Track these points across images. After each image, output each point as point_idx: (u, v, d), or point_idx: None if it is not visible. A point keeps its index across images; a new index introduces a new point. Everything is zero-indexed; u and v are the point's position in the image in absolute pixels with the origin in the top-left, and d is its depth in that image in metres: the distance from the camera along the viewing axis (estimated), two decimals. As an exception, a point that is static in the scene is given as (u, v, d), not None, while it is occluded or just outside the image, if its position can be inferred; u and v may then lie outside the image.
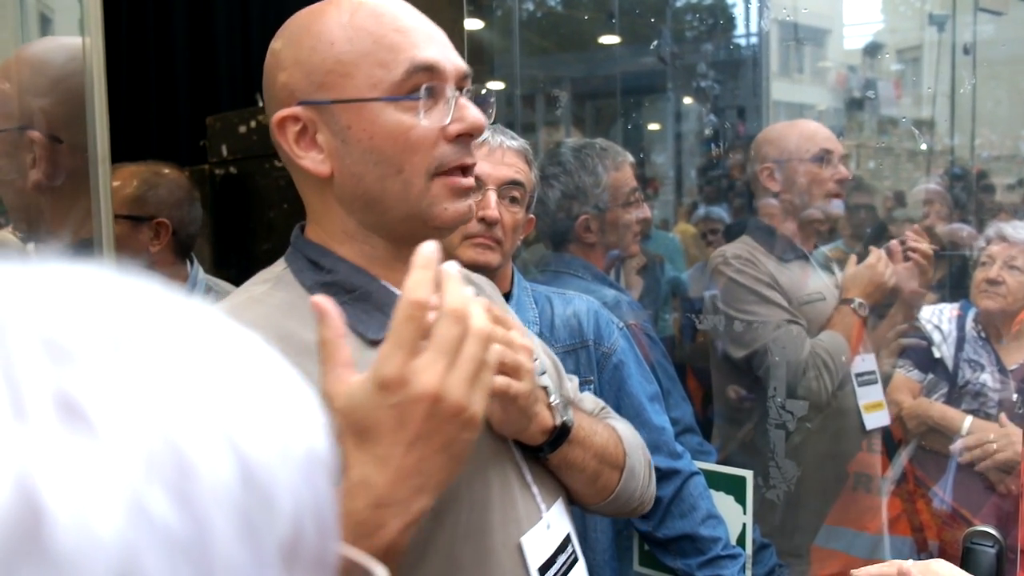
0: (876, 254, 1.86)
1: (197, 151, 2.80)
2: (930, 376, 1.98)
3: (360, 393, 0.68)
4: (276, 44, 0.92)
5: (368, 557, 0.38)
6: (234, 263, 2.60)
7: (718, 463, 1.72)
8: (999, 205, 2.52)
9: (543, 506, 0.92)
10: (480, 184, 1.33)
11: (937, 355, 1.97)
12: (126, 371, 0.27)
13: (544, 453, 0.93)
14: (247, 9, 3.25)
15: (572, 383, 1.12)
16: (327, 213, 0.91)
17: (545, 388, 0.92)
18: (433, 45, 0.88)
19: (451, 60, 0.89)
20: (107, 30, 1.30)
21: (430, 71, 0.86)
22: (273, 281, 0.91)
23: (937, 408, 1.92)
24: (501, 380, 0.82)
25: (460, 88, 0.89)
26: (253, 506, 0.28)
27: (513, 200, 1.43)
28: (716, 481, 1.63)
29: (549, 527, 0.92)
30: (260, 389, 0.30)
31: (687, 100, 3.76)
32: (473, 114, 0.88)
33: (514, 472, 0.92)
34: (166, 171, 2.04)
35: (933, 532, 1.84)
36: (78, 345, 0.26)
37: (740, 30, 3.52)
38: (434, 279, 0.68)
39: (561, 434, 0.92)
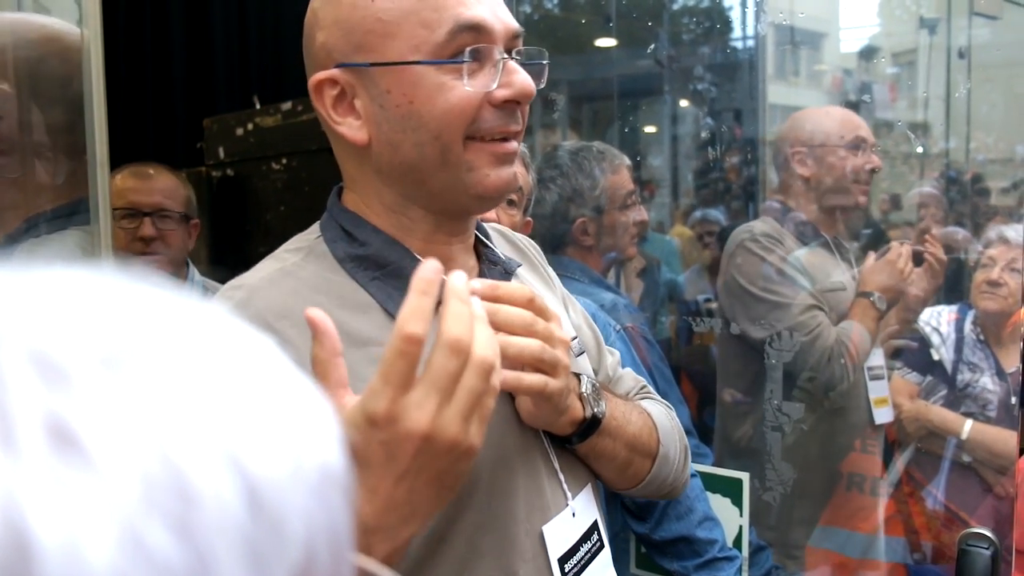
0: (897, 250, 1.83)
1: (194, 153, 2.80)
2: (929, 378, 1.99)
3: (351, 422, 0.65)
4: (315, 4, 0.88)
5: (381, 566, 0.36)
6: (230, 265, 2.59)
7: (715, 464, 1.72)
8: (994, 208, 2.53)
9: (570, 494, 0.91)
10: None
11: (936, 357, 1.98)
12: (122, 389, 0.25)
13: (572, 443, 0.91)
14: (244, 11, 3.25)
15: (613, 357, 1.10)
16: (364, 182, 0.87)
17: (578, 377, 0.89)
18: (482, 3, 0.83)
19: (501, 19, 0.84)
20: (104, 31, 1.31)
21: (476, 30, 0.81)
22: (306, 251, 0.88)
23: (936, 411, 1.93)
24: (537, 379, 0.80)
25: (510, 49, 0.85)
26: (260, 533, 0.26)
27: (510, 203, 1.43)
28: (713, 483, 1.63)
29: (575, 515, 0.91)
30: (268, 401, 0.29)
31: (684, 103, 3.77)
32: (522, 79, 0.83)
33: (542, 459, 0.90)
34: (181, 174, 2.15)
35: (927, 533, 1.85)
36: (71, 362, 0.25)
37: (737, 33, 3.53)
38: (432, 304, 0.63)
39: (591, 425, 0.90)
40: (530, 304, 0.80)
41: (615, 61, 3.34)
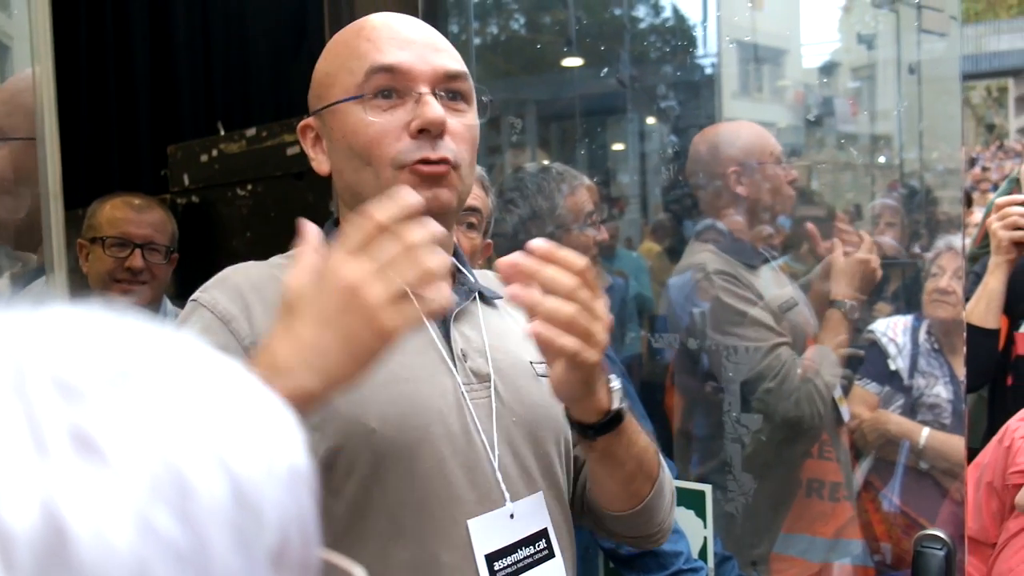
0: (868, 244, 1.81)
1: (158, 180, 2.79)
2: (887, 388, 2.02)
3: (305, 283, 0.77)
4: None
5: (348, 560, 0.42)
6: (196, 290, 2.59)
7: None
8: (947, 216, 2.59)
9: (508, 495, 0.93)
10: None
11: (893, 367, 2.01)
12: (129, 404, 0.31)
13: (592, 435, 0.92)
14: (208, 38, 3.25)
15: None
16: (340, 208, 1.04)
17: (607, 372, 0.92)
18: (404, 49, 0.96)
19: (427, 61, 0.96)
20: (65, 57, 1.33)
21: (390, 71, 0.95)
22: (292, 258, 1.01)
23: (895, 420, 1.96)
24: (573, 341, 0.82)
25: (447, 90, 0.97)
26: (244, 520, 0.31)
27: (470, 226, 1.45)
28: (677, 496, 1.65)
29: (513, 516, 0.93)
30: (246, 413, 0.34)
31: (649, 120, 3.82)
32: (430, 111, 0.93)
33: (484, 455, 0.93)
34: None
35: (885, 536, 1.88)
36: (86, 384, 0.30)
37: (699, 51, 3.59)
38: (396, 214, 0.75)
39: (614, 419, 0.92)
40: (582, 273, 0.83)
41: (580, 80, 3.39)
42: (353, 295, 0.73)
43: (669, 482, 1.07)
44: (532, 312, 0.82)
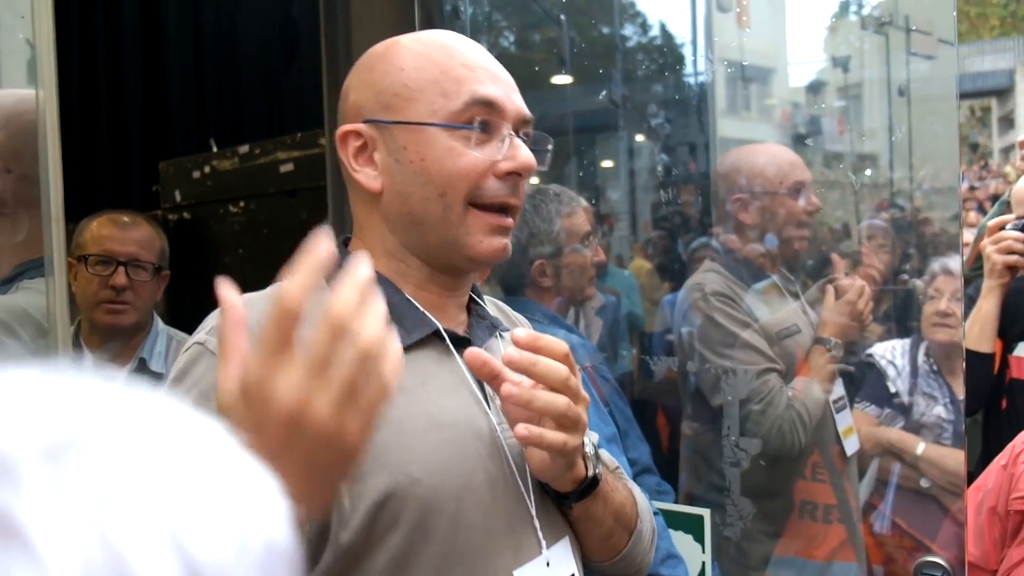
0: (857, 288, 1.82)
1: (150, 196, 2.78)
2: (887, 410, 2.02)
3: (230, 393, 0.62)
4: (352, 71, 0.98)
5: None
6: (187, 309, 2.57)
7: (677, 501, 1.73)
8: (938, 237, 2.60)
9: (544, 542, 0.93)
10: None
11: (892, 390, 2.01)
12: (64, 480, 0.26)
13: (570, 502, 0.94)
14: (200, 54, 3.25)
15: (592, 437, 1.12)
16: (371, 228, 0.95)
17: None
18: (497, 85, 0.93)
19: (513, 101, 0.93)
20: (58, 72, 1.32)
21: (489, 106, 0.91)
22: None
23: (894, 432, 1.96)
24: (559, 437, 0.84)
25: (518, 131, 0.94)
26: None
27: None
28: (675, 520, 1.64)
29: (549, 564, 0.92)
30: (213, 483, 0.30)
31: (639, 138, 3.83)
32: (524, 154, 0.91)
33: (517, 504, 0.92)
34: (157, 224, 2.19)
35: (876, 556, 1.88)
36: (14, 457, 0.26)
37: (688, 70, 3.61)
38: (315, 281, 0.61)
39: (590, 486, 0.93)
40: (566, 359, 0.85)
41: (571, 98, 3.40)
42: (297, 424, 0.60)
43: (649, 521, 1.08)
44: (526, 407, 0.83)
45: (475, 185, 0.90)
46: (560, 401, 0.83)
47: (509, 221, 0.93)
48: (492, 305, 1.11)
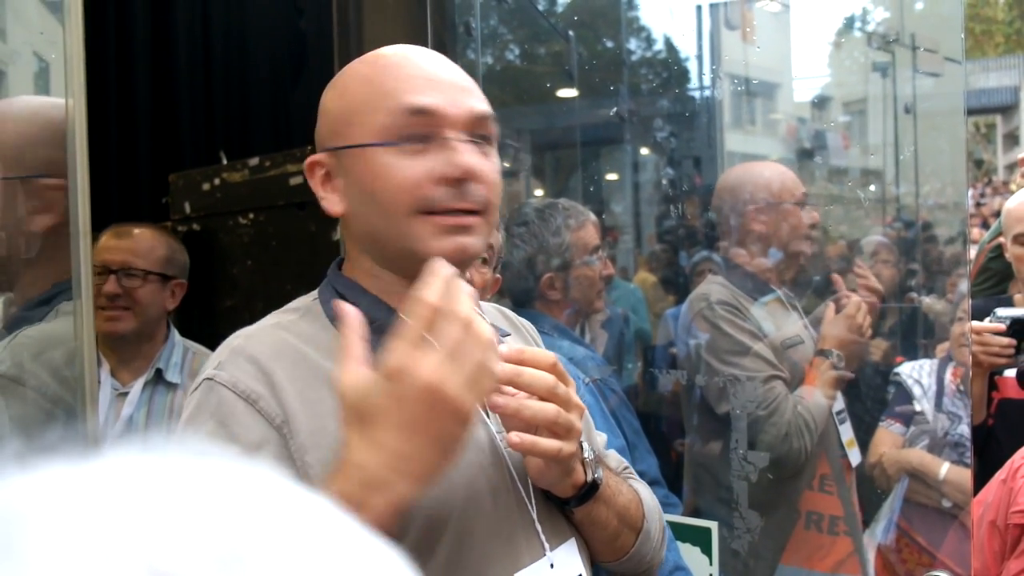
0: (855, 304, 1.83)
1: (159, 208, 2.79)
2: (912, 429, 2.03)
3: (367, 384, 0.74)
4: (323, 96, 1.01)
5: None
6: (196, 320, 2.58)
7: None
8: (942, 254, 2.61)
9: (547, 545, 0.94)
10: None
11: (918, 408, 2.02)
12: None
13: (571, 506, 0.95)
14: (210, 67, 3.27)
15: (600, 438, 1.14)
16: (351, 250, 0.99)
17: (580, 443, 0.93)
18: (436, 91, 0.91)
19: (458, 104, 0.91)
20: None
21: (424, 114, 0.89)
22: (302, 311, 0.97)
23: (916, 455, 1.96)
24: (552, 444, 0.86)
25: (474, 131, 0.92)
26: None
27: (483, 261, 1.46)
28: (682, 533, 1.65)
29: (553, 566, 0.93)
30: None
31: (644, 151, 3.85)
32: (464, 159, 0.89)
33: (519, 508, 0.93)
34: (172, 236, 2.18)
35: (894, 573, 1.88)
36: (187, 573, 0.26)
37: (694, 84, 3.64)
38: (445, 287, 0.75)
39: (590, 490, 0.95)
40: (553, 368, 0.87)
41: (577, 111, 3.43)
42: (436, 394, 0.72)
43: (658, 519, 1.09)
44: (516, 416, 0.85)
45: (414, 197, 0.88)
46: (549, 409, 0.85)
47: (466, 219, 0.90)
48: (497, 312, 1.12)
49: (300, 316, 0.96)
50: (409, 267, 0.91)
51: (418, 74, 0.92)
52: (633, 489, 1.06)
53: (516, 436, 0.85)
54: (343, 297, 0.94)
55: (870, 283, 1.87)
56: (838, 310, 1.86)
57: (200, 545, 0.27)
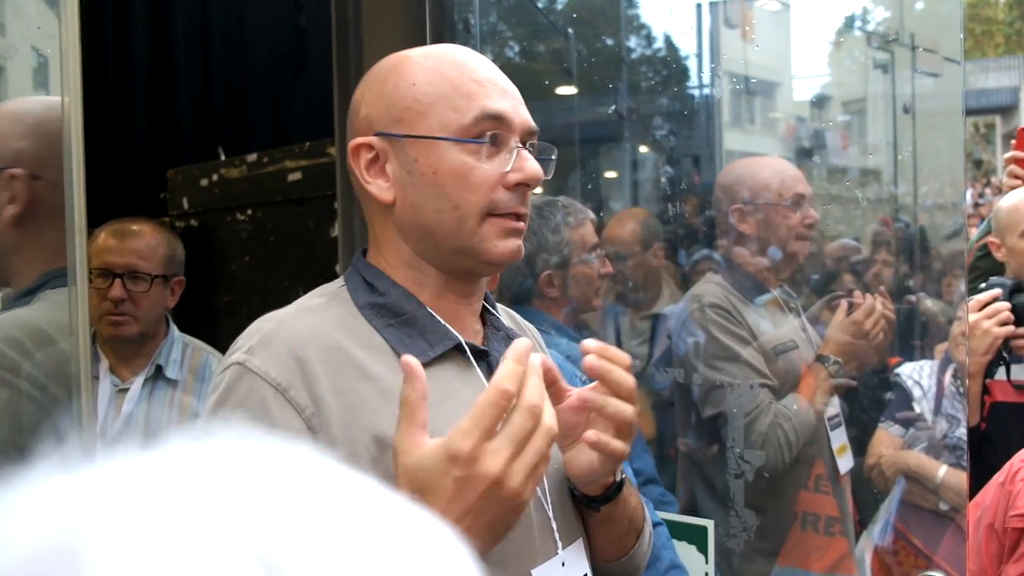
0: (867, 307, 1.77)
1: (157, 204, 2.79)
2: (911, 431, 2.02)
3: (430, 457, 0.74)
4: (362, 84, 1.00)
5: None
6: (194, 315, 2.58)
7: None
8: (939, 254, 2.61)
9: (560, 543, 0.95)
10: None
11: (917, 410, 2.01)
12: None
13: (597, 505, 0.98)
14: (209, 62, 3.27)
15: None
16: (386, 239, 0.98)
17: None
18: (505, 99, 0.95)
19: (520, 115, 0.95)
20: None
21: (498, 120, 0.93)
22: (329, 296, 0.98)
23: (914, 456, 1.96)
24: (621, 445, 0.89)
25: (525, 143, 0.96)
26: None
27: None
28: (678, 531, 1.65)
29: (564, 565, 0.95)
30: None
31: (643, 149, 3.84)
32: (532, 166, 0.93)
33: (535, 506, 0.95)
34: (171, 232, 2.17)
35: (889, 574, 1.88)
36: (290, 568, 0.28)
37: (694, 82, 3.64)
38: (524, 372, 0.75)
39: (616, 489, 0.98)
40: (628, 369, 0.90)
41: (576, 108, 3.42)
42: (498, 487, 0.74)
43: (649, 526, 1.11)
44: (601, 412, 0.88)
45: (488, 199, 0.92)
46: (628, 409, 0.88)
47: (521, 224, 0.95)
48: (505, 314, 1.13)
49: (327, 302, 0.96)
50: (460, 262, 0.95)
51: (492, 79, 0.95)
52: (637, 492, 1.08)
53: (595, 435, 0.87)
54: (370, 286, 0.96)
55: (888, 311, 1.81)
56: (850, 311, 1.80)
57: (302, 536, 0.28)
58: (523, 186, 0.93)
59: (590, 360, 0.86)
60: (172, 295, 2.06)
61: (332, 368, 0.88)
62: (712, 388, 1.82)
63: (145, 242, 2.01)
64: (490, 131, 0.92)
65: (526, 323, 1.18)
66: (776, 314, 1.92)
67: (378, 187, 0.95)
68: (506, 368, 0.75)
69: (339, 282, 1.01)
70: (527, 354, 0.76)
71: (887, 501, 1.97)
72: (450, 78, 0.94)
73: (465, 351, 0.95)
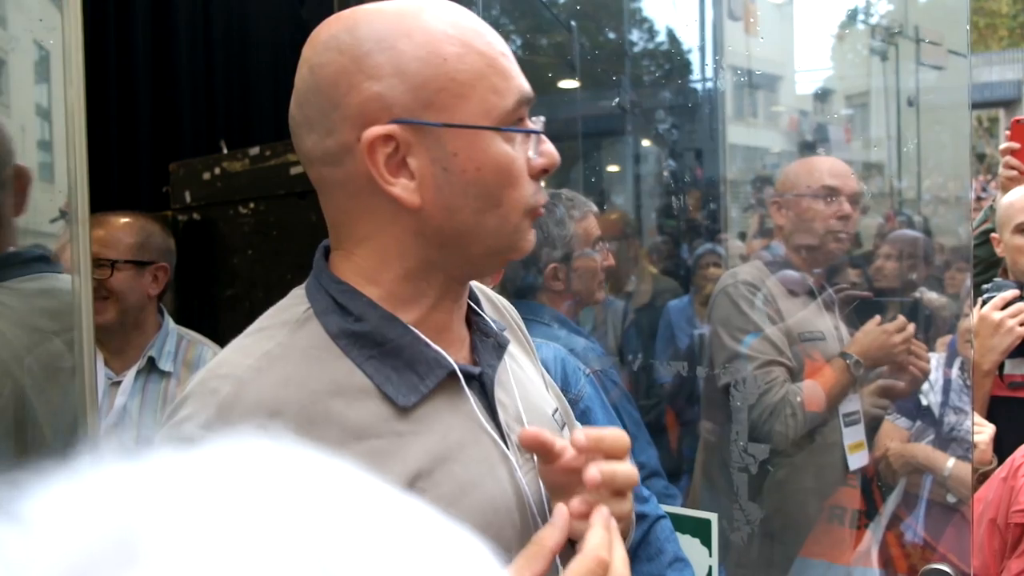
0: (898, 324, 1.80)
1: (159, 197, 2.79)
2: (918, 423, 2.02)
3: None
4: (351, 42, 0.76)
5: None
6: (196, 309, 2.58)
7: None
8: (942, 247, 2.61)
9: (562, 570, 0.93)
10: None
11: (925, 403, 2.01)
12: None
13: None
14: (211, 55, 3.26)
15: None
16: (387, 246, 0.79)
17: None
18: (521, 74, 0.81)
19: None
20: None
21: (528, 104, 0.80)
22: (293, 325, 0.79)
23: (921, 449, 1.96)
24: (624, 505, 0.83)
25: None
26: None
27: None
28: (682, 524, 1.65)
29: None
30: None
31: (646, 143, 3.84)
32: (552, 149, 0.81)
33: (536, 531, 0.92)
34: (150, 220, 2.14)
35: (903, 565, 1.88)
36: (346, 571, 0.28)
37: (697, 75, 3.63)
38: (610, 542, 0.72)
39: None
40: (623, 440, 0.83)
41: (578, 102, 3.42)
42: None
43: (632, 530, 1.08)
44: (610, 484, 0.81)
45: (529, 192, 0.79)
46: (634, 473, 0.82)
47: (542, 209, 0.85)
48: (482, 296, 0.98)
49: (292, 332, 0.79)
50: (484, 265, 0.84)
51: (508, 49, 0.80)
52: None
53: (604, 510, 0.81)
54: (342, 308, 0.79)
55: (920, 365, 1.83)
56: (882, 322, 1.84)
57: (357, 544, 0.29)
58: (544, 172, 0.81)
59: (576, 438, 0.79)
60: (155, 282, 2.02)
61: (314, 439, 0.79)
62: (734, 357, 1.83)
63: (107, 231, 2.00)
64: (523, 116, 0.79)
65: (500, 299, 1.05)
66: (812, 310, 1.92)
67: (404, 188, 0.75)
68: (598, 536, 0.72)
69: (300, 302, 0.82)
70: (609, 518, 0.74)
71: (894, 493, 1.98)
72: (481, 51, 0.76)
73: (458, 376, 0.81)
